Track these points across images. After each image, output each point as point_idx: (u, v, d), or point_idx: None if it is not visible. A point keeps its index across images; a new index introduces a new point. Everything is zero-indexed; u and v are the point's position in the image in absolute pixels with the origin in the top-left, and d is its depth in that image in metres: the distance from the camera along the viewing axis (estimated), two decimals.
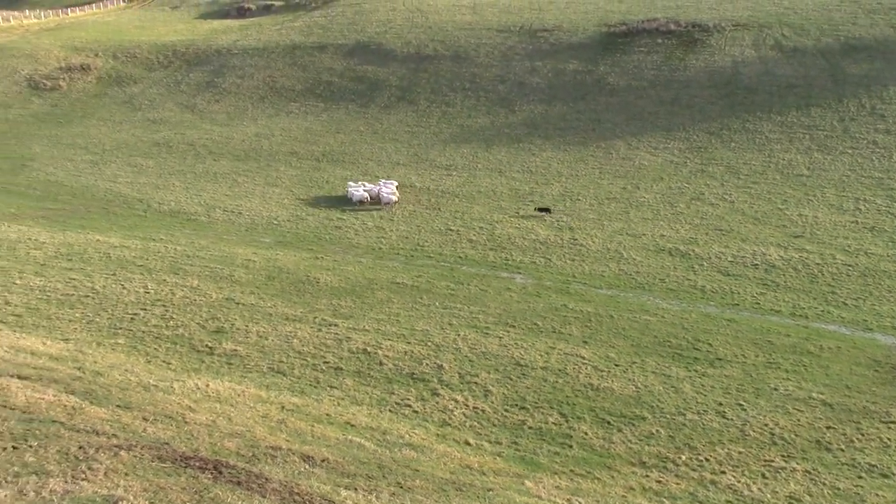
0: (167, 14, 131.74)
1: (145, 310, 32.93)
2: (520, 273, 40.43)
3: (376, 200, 53.91)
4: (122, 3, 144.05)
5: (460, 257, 43.10)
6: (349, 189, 55.54)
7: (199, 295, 35.12)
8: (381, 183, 56.45)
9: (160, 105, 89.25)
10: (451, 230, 47.97)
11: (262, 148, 72.55)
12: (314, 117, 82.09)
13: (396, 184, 56.99)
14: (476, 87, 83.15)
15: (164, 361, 27.47)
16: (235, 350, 29.09)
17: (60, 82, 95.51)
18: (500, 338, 31.32)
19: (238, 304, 34.29)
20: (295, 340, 30.23)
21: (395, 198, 53.84)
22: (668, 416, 25.41)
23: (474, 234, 47.00)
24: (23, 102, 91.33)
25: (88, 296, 34.43)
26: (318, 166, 65.67)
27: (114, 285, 35.96)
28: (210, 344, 29.56)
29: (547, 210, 51.59)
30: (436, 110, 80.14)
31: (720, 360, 29.94)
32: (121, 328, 30.81)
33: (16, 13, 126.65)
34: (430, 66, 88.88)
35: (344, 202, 54.99)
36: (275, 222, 49.93)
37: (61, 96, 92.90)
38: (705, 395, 26.91)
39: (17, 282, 35.70)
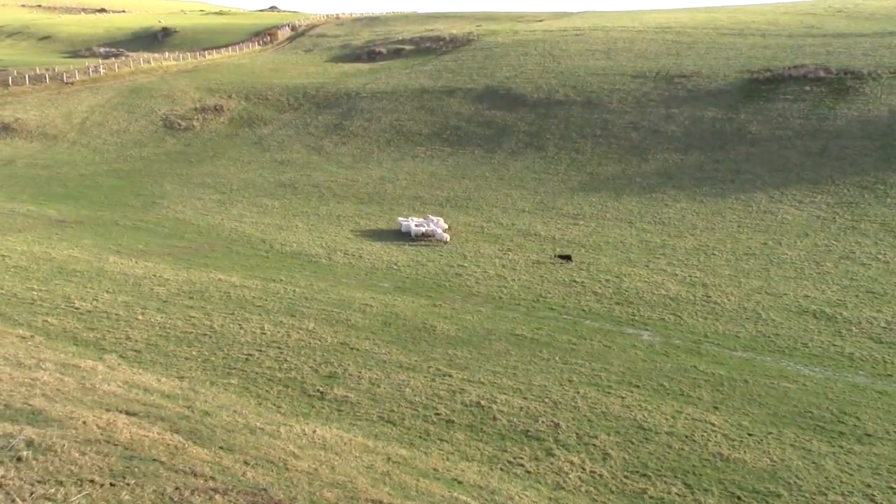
0: (300, 57, 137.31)
1: (260, 351, 33.60)
2: (647, 330, 39.27)
3: (430, 235, 57.91)
4: (256, 47, 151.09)
5: (584, 310, 42.29)
6: (402, 223, 59.87)
7: (314, 338, 35.63)
8: (429, 219, 60.58)
9: (288, 146, 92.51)
10: (575, 282, 47.25)
11: (386, 192, 73.89)
12: (440, 162, 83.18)
13: (441, 220, 60.63)
14: (607, 134, 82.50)
15: (274, 404, 27.83)
16: (346, 396, 29.20)
17: (194, 122, 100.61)
18: (623, 398, 30.34)
19: (352, 349, 34.58)
20: (407, 389, 30.13)
21: (447, 236, 57.40)
22: (806, 495, 23.81)
23: (600, 287, 46.11)
24: (157, 141, 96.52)
25: (206, 334, 35.42)
26: (442, 212, 66.21)
27: (231, 325, 36.92)
28: (321, 389, 29.79)
29: (568, 258, 51.22)
30: (565, 157, 79.87)
31: (869, 436, 27.98)
32: (235, 368, 31.46)
33: (156, 55, 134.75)
34: (560, 112, 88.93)
35: (402, 237, 58.23)
36: (394, 267, 50.45)
37: (194, 136, 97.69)
38: (851, 475, 25.12)
39: (140, 317, 37.13)
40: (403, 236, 58.48)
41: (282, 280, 46.26)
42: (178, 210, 67.52)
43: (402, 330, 37.62)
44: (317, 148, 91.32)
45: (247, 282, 45.19)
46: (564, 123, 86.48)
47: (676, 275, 48.49)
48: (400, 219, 61.95)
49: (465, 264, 51.07)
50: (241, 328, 36.47)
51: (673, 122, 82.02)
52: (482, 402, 29.18)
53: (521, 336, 37.42)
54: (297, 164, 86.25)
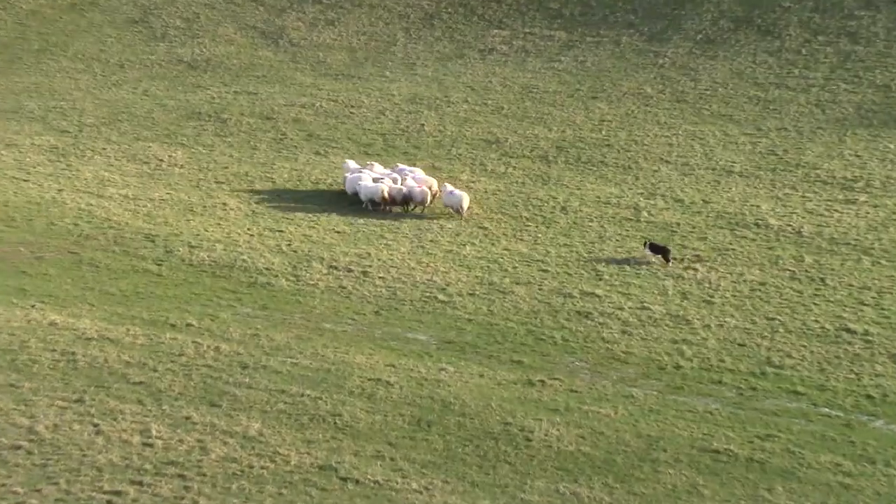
0: None
1: (140, 484, 33.48)
2: None
3: (403, 201, 60.94)
4: None
5: (869, 397, 41.68)
6: (347, 176, 63.14)
7: (259, 455, 35.44)
8: (398, 168, 63.71)
9: (207, 30, 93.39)
10: (846, 330, 46.71)
11: (424, 128, 73.91)
12: (542, 62, 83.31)
13: (420, 170, 63.77)
14: None
15: None
16: None
17: None
18: None
19: (346, 479, 34.37)
20: None
21: (466, 200, 60.05)
22: None
23: None
24: None
25: (20, 446, 35.43)
26: (547, 172, 66.07)
27: (77, 425, 36.93)
28: None
29: (664, 251, 53.00)
30: (822, 52, 79.39)
31: None
32: None
33: None
34: None
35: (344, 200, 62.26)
36: (441, 295, 50.32)
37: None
38: None
39: None
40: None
41: (190, 326, 46.45)
42: None
43: (457, 438, 37.37)
44: (269, 33, 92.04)
45: (113, 329, 45.39)
46: None
47: None
48: (348, 164, 64.04)
49: (599, 291, 50.75)
50: (98, 433, 36.46)
51: None
52: None
53: (722, 454, 36.94)
54: (227, 68, 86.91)
